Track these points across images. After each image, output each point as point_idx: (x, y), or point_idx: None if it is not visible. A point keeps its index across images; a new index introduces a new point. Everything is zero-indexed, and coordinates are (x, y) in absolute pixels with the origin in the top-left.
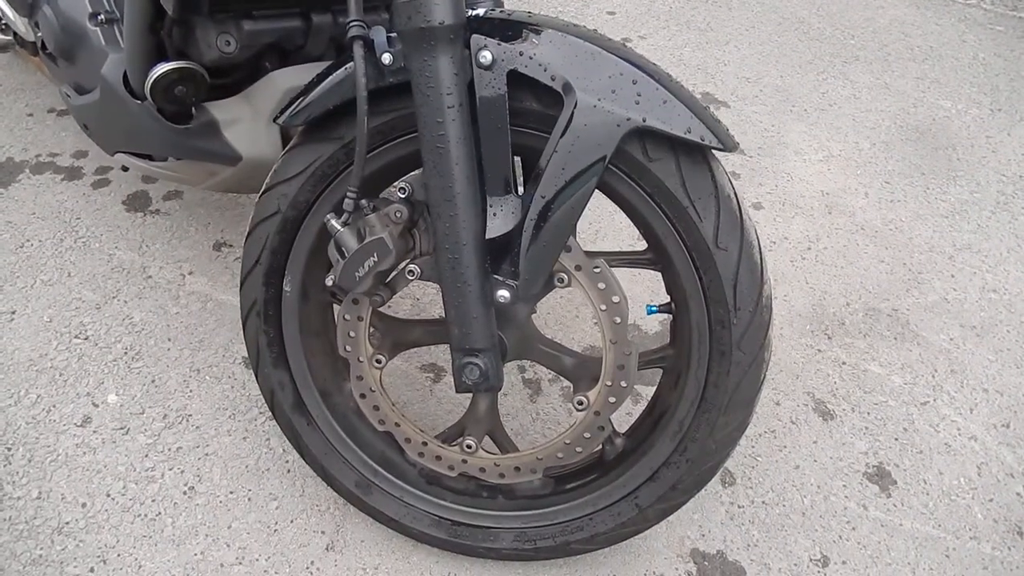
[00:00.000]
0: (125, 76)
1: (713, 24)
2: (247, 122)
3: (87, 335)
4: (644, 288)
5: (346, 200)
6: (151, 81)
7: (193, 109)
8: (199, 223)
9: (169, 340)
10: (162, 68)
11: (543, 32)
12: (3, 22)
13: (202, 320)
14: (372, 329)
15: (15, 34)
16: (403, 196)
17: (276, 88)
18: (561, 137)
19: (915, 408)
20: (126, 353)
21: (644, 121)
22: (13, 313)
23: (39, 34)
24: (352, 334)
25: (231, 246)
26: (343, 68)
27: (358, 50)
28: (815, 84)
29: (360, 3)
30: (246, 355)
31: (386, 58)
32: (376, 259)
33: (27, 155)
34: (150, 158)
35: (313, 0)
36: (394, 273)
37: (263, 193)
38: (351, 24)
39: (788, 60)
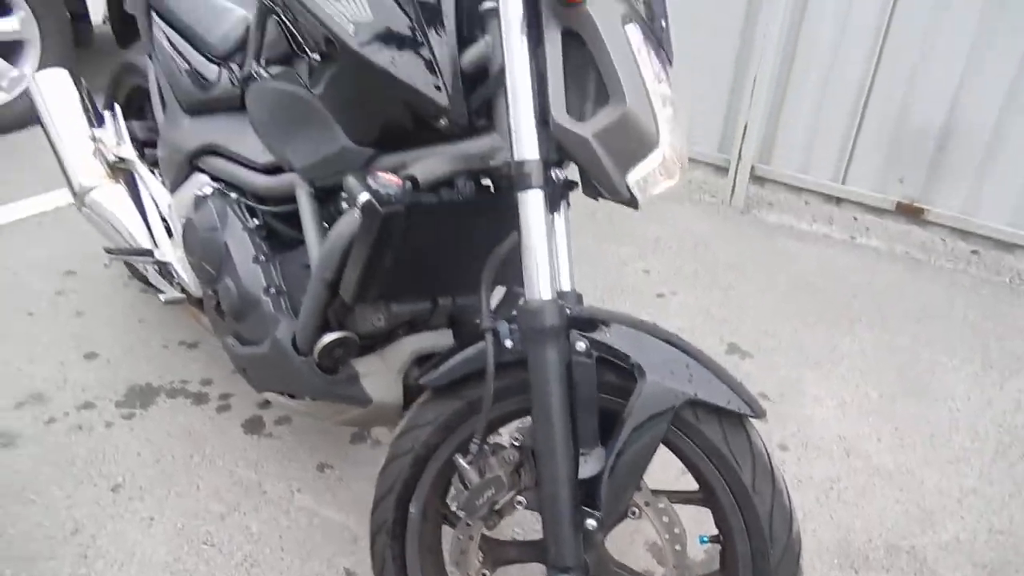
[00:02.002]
0: (294, 337)
1: (734, 284)
2: (380, 374)
3: (213, 542)
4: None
5: (472, 445)
6: (320, 346)
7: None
8: (305, 446)
9: (282, 551)
10: (330, 337)
11: (621, 327)
12: (176, 281)
13: (310, 534)
14: (480, 548)
15: (184, 290)
16: (516, 445)
17: (405, 350)
18: (635, 404)
19: None
20: (245, 560)
21: (696, 395)
22: (152, 519)
23: (209, 294)
24: (463, 551)
25: (332, 467)
26: (474, 348)
27: (490, 338)
28: (826, 339)
29: (490, 308)
30: (349, 567)
31: (508, 343)
32: (493, 492)
33: (162, 381)
34: (292, 396)
35: (439, 290)
36: (504, 502)
37: (400, 435)
38: (485, 320)
39: (801, 317)
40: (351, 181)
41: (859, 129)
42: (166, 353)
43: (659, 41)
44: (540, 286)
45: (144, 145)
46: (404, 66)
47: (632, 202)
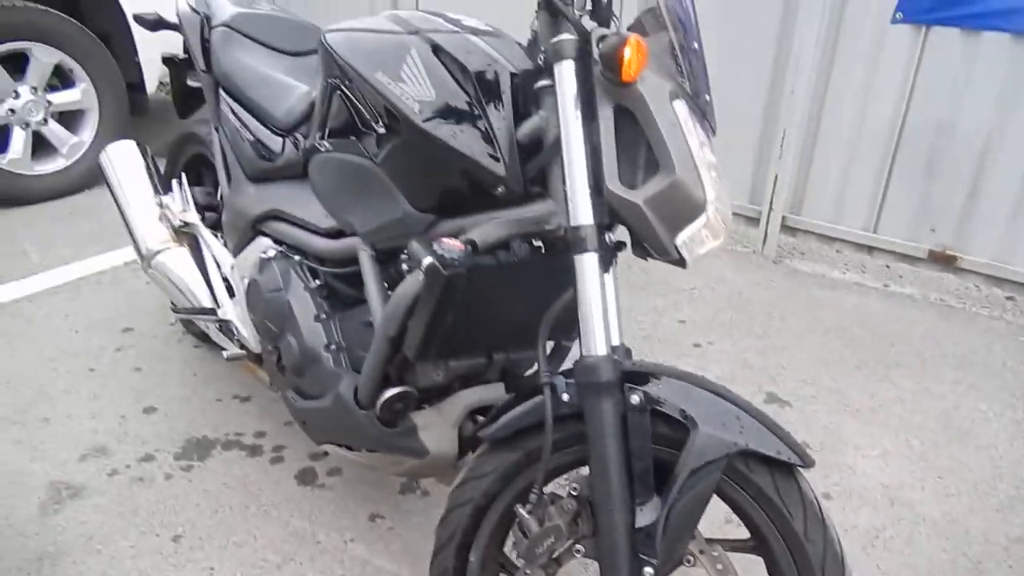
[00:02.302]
0: (355, 392)
1: (769, 332)
2: (436, 427)
3: None
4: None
5: (531, 495)
6: (382, 401)
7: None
8: (357, 497)
9: None
10: (391, 392)
11: (672, 380)
12: (236, 338)
13: None
14: None
15: (243, 346)
16: (573, 494)
17: (461, 403)
18: (689, 455)
19: None
20: None
21: (747, 445)
22: (212, 569)
23: (270, 351)
24: None
25: (384, 517)
26: (531, 402)
27: (547, 392)
28: (864, 386)
29: (546, 363)
30: None
31: (565, 397)
32: (552, 540)
33: (218, 433)
34: (349, 448)
35: (494, 346)
36: (563, 550)
37: (459, 486)
38: (542, 374)
39: (838, 364)
40: (414, 246)
41: (889, 178)
42: (220, 406)
43: (703, 113)
44: (596, 343)
45: (204, 209)
46: (464, 140)
47: (680, 262)
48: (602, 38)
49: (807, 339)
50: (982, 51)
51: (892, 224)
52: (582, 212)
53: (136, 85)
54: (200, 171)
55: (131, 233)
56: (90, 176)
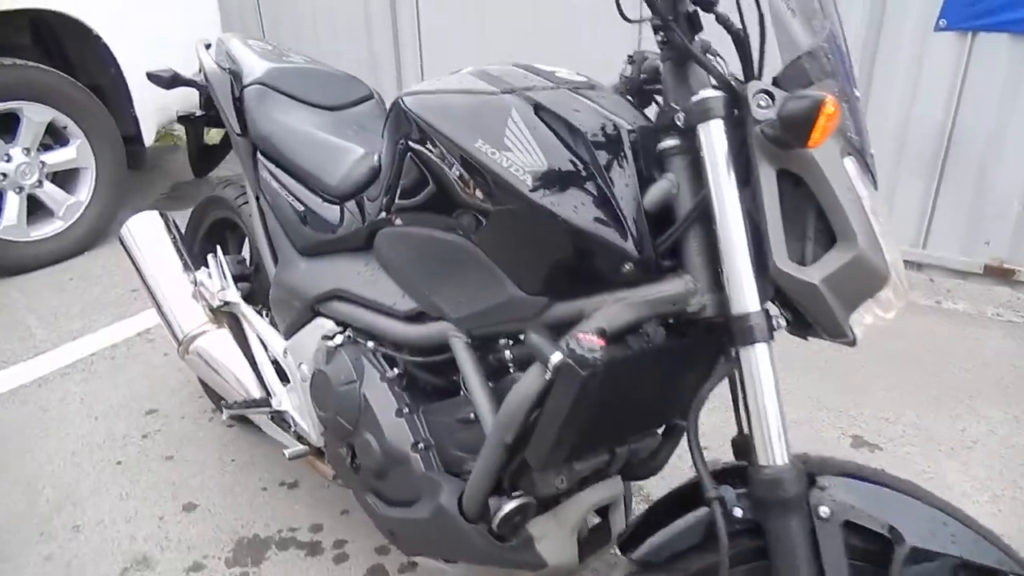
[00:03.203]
0: (459, 501)
1: (835, 364)
2: (555, 535)
3: None
4: None
5: None
6: (500, 515)
7: None
8: None
9: None
10: (510, 505)
11: (861, 483)
12: (293, 430)
13: None
14: None
15: (299, 438)
16: None
17: (582, 507)
18: (898, 573)
19: None
20: None
21: (962, 557)
22: None
23: (341, 450)
24: None
25: None
26: (692, 517)
27: (717, 509)
28: (951, 421)
29: (710, 476)
30: None
31: (737, 512)
32: None
33: (270, 530)
34: (447, 560)
35: (619, 439)
36: None
37: None
38: (708, 489)
39: (917, 397)
40: (535, 339)
41: (937, 194)
42: (267, 496)
43: (868, 168)
44: (775, 450)
45: (236, 280)
46: (586, 213)
47: (852, 341)
48: (762, 93)
49: (880, 371)
50: None
51: (943, 239)
52: (748, 297)
53: (133, 138)
54: (224, 236)
55: (162, 315)
56: (90, 237)
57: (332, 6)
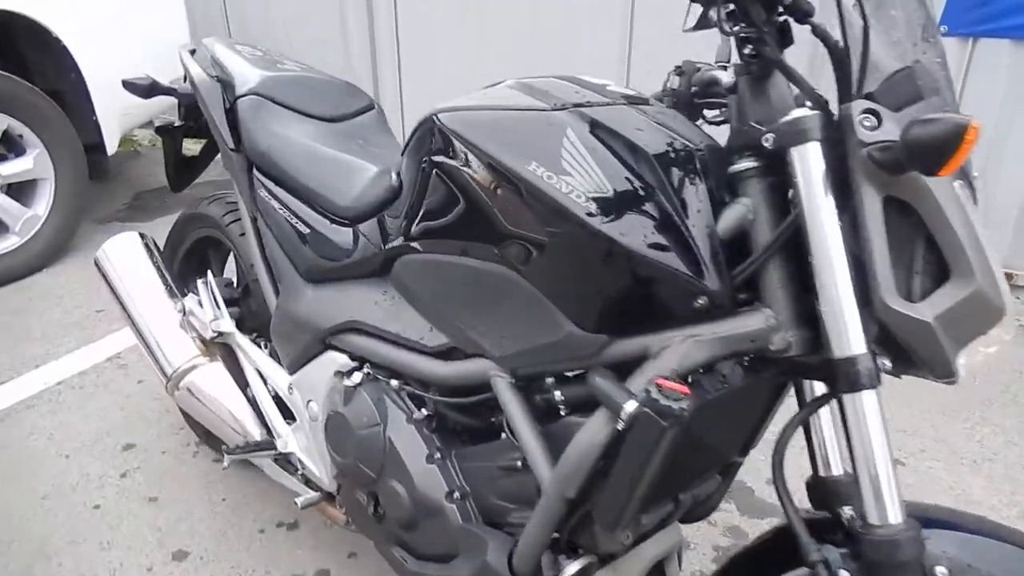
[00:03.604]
0: (509, 558)
1: None
2: None
3: None
4: None
5: None
6: None
7: None
8: None
9: None
10: (573, 568)
11: (981, 540)
12: (300, 473)
13: None
14: None
15: (307, 481)
16: None
17: (644, 560)
18: None
19: None
20: None
21: None
22: None
23: (361, 497)
24: None
25: None
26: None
27: (823, 572)
28: (967, 432)
29: (807, 535)
30: None
31: (843, 574)
32: None
33: None
34: None
35: (685, 487)
36: None
37: None
38: (810, 550)
39: (932, 409)
40: (603, 384)
41: None
42: (264, 539)
43: (973, 192)
44: (888, 509)
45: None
46: (656, 243)
47: (954, 379)
48: (867, 113)
49: (887, 379)
50: None
51: None
52: (853, 337)
53: (95, 146)
54: (206, 255)
55: (147, 348)
56: (48, 253)
57: (306, 15)
